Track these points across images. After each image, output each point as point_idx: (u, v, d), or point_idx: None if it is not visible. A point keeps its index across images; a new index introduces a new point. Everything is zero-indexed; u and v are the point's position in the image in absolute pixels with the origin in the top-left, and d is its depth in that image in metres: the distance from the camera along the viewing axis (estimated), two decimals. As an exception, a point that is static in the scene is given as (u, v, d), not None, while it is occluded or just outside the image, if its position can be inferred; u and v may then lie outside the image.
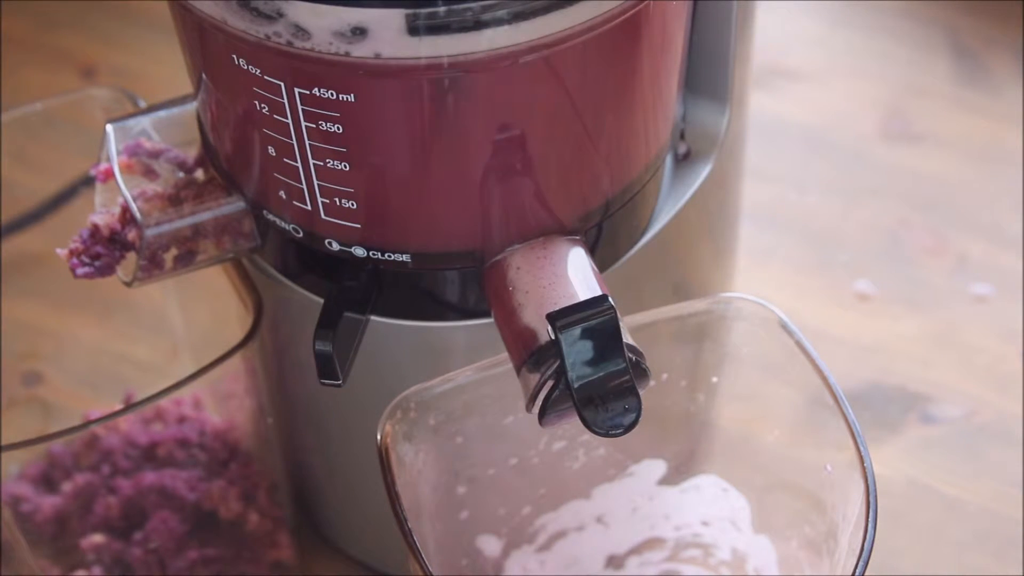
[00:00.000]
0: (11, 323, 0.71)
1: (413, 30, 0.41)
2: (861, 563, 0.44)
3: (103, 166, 0.52)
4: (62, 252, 0.51)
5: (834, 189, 0.80)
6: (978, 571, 0.64)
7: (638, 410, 0.44)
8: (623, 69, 0.46)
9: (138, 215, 0.50)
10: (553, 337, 0.43)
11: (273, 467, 0.62)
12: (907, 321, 0.73)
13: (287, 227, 0.49)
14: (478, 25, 0.41)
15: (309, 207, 0.47)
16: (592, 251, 0.49)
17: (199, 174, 0.52)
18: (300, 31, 0.41)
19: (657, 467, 0.56)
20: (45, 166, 0.70)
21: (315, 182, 0.46)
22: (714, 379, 0.54)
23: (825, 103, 0.84)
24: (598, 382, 0.43)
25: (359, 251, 0.48)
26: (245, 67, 0.44)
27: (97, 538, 0.61)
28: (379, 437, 0.47)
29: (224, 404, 0.64)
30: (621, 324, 0.44)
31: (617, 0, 0.43)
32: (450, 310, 0.51)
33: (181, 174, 0.52)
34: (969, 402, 0.70)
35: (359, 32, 0.41)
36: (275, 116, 0.45)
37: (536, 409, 0.45)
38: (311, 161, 0.46)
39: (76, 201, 0.71)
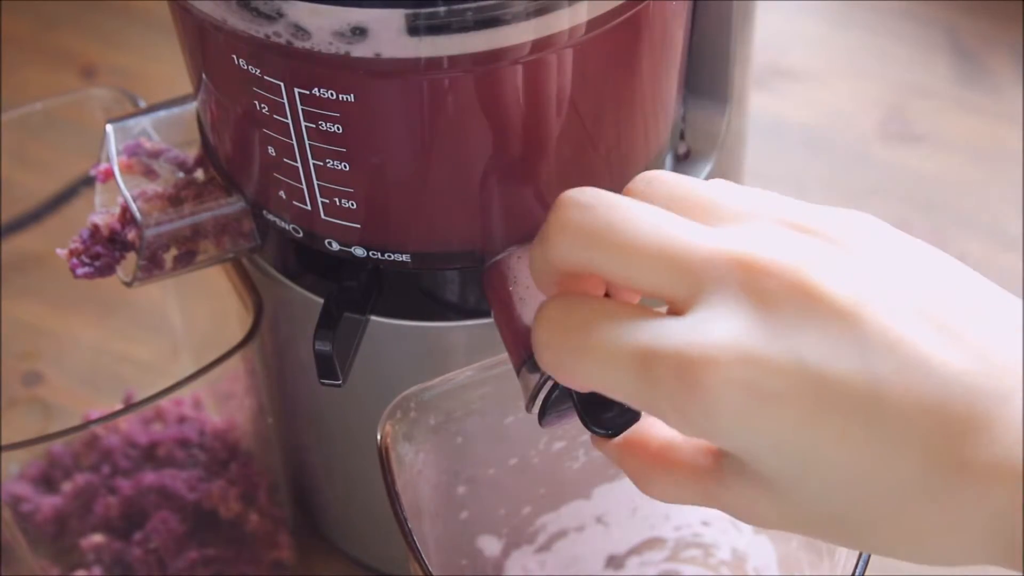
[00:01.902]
0: (11, 323, 0.71)
1: (413, 30, 0.41)
2: (861, 563, 0.44)
3: (103, 166, 0.52)
4: (62, 252, 0.51)
5: (834, 189, 0.80)
6: (978, 571, 0.64)
7: (639, 410, 0.44)
8: (623, 69, 0.46)
9: (138, 215, 0.50)
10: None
11: (273, 467, 0.63)
12: (907, 321, 0.73)
13: (287, 227, 0.49)
14: (478, 25, 0.41)
15: (309, 207, 0.47)
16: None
17: (199, 174, 0.52)
18: (300, 31, 0.41)
19: (657, 467, 0.56)
20: (45, 166, 0.70)
21: (315, 182, 0.46)
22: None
23: (825, 103, 0.84)
24: None
25: (359, 251, 0.48)
26: (245, 67, 0.44)
27: (97, 538, 0.61)
28: (379, 437, 0.47)
29: (224, 404, 0.64)
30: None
31: (617, 0, 0.43)
32: (450, 310, 0.51)
33: (181, 174, 0.52)
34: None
35: (359, 32, 0.41)
36: (275, 116, 0.45)
37: (536, 409, 0.45)
38: (311, 161, 0.46)
39: (76, 201, 0.71)
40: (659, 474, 0.40)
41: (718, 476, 0.38)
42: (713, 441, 0.36)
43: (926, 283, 0.36)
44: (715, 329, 0.35)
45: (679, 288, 0.36)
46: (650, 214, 0.37)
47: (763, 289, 0.35)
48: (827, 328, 0.34)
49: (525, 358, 0.45)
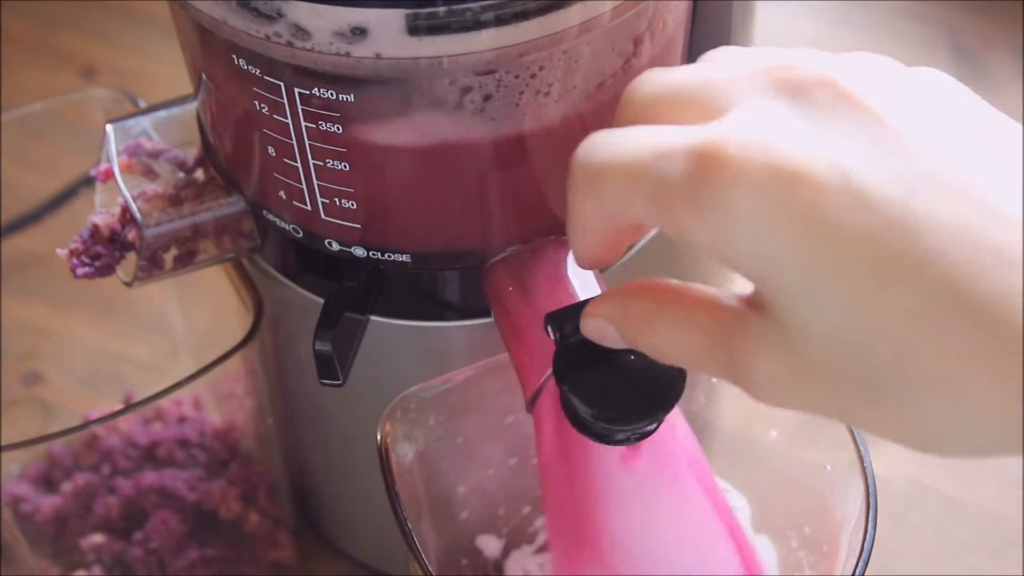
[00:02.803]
0: (11, 323, 0.71)
1: (413, 30, 0.41)
2: (861, 563, 0.44)
3: (103, 166, 0.52)
4: (62, 252, 0.51)
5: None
6: (978, 571, 0.64)
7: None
8: (623, 69, 0.46)
9: (138, 215, 0.50)
10: (553, 337, 0.43)
11: (273, 467, 0.63)
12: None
13: (287, 227, 0.49)
14: (478, 25, 0.41)
15: (309, 207, 0.47)
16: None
17: (199, 174, 0.52)
18: (300, 31, 0.41)
19: (657, 467, 0.56)
20: (45, 166, 0.70)
21: (315, 182, 0.46)
22: (714, 379, 0.54)
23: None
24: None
25: (359, 251, 0.48)
26: (245, 67, 0.44)
27: (97, 538, 0.61)
28: (379, 437, 0.47)
29: (224, 404, 0.64)
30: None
31: (617, 0, 0.43)
32: (450, 310, 0.51)
33: (181, 174, 0.52)
34: (969, 402, 0.70)
35: (359, 32, 0.41)
36: (275, 116, 0.45)
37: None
38: (311, 161, 0.46)
39: (76, 201, 0.71)
40: (668, 313, 0.36)
41: (742, 316, 0.34)
42: (725, 250, 0.33)
43: (964, 112, 0.34)
44: (742, 119, 0.33)
45: (716, 108, 0.34)
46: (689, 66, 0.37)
47: (795, 84, 0.33)
48: (862, 129, 0.32)
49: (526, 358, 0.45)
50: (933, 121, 0.33)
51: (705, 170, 0.32)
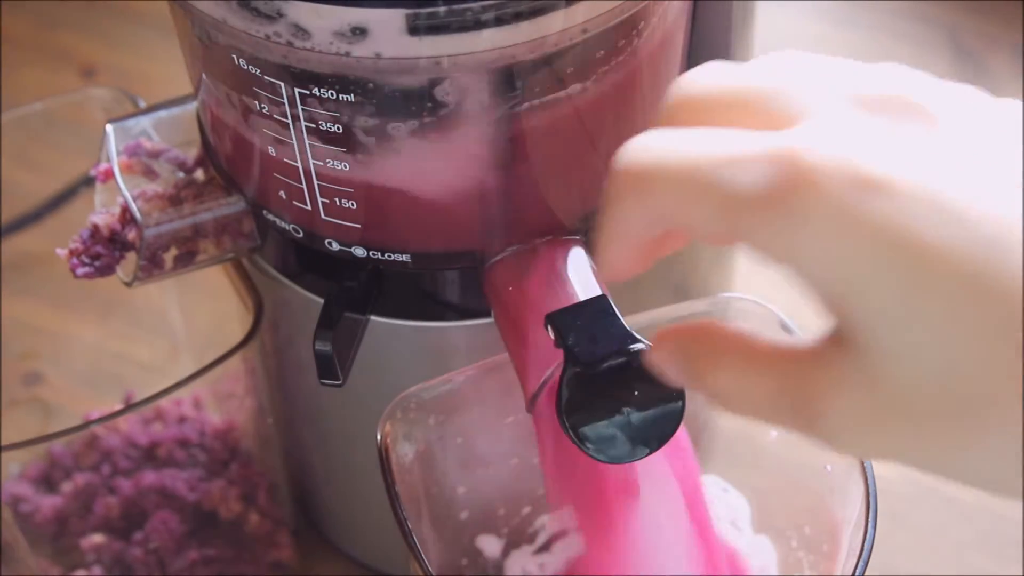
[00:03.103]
0: (11, 323, 0.71)
1: (413, 30, 0.41)
2: (861, 563, 0.44)
3: (103, 166, 0.52)
4: (62, 252, 0.51)
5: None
6: (978, 571, 0.64)
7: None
8: (623, 69, 0.46)
9: (138, 215, 0.50)
10: (553, 337, 0.43)
11: (273, 467, 0.63)
12: (907, 321, 0.73)
13: (287, 227, 0.49)
14: (478, 25, 0.41)
15: (309, 207, 0.47)
16: (592, 251, 0.49)
17: (199, 174, 0.52)
18: (300, 31, 0.41)
19: (657, 467, 0.56)
20: (45, 166, 0.70)
21: (315, 182, 0.46)
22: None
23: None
24: None
25: (359, 251, 0.48)
26: (245, 67, 0.44)
27: (97, 538, 0.61)
28: (379, 437, 0.47)
29: (224, 404, 0.64)
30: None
31: (617, 0, 0.43)
32: (450, 310, 0.51)
33: (181, 174, 0.52)
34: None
35: (359, 32, 0.41)
36: (275, 116, 0.45)
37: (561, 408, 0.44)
38: (311, 161, 0.46)
39: (76, 201, 0.71)
40: (732, 355, 0.34)
41: (814, 355, 0.32)
42: (802, 264, 0.32)
43: None
44: (821, 128, 0.32)
45: (787, 116, 0.33)
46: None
47: (874, 98, 0.32)
48: (945, 144, 0.31)
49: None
50: (1016, 141, 0.32)
51: (784, 179, 0.31)
